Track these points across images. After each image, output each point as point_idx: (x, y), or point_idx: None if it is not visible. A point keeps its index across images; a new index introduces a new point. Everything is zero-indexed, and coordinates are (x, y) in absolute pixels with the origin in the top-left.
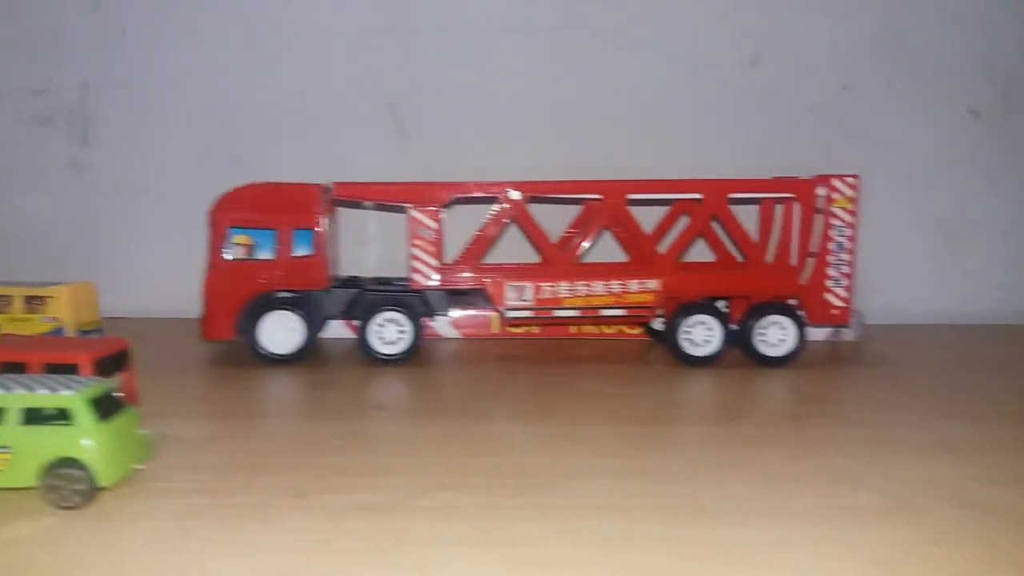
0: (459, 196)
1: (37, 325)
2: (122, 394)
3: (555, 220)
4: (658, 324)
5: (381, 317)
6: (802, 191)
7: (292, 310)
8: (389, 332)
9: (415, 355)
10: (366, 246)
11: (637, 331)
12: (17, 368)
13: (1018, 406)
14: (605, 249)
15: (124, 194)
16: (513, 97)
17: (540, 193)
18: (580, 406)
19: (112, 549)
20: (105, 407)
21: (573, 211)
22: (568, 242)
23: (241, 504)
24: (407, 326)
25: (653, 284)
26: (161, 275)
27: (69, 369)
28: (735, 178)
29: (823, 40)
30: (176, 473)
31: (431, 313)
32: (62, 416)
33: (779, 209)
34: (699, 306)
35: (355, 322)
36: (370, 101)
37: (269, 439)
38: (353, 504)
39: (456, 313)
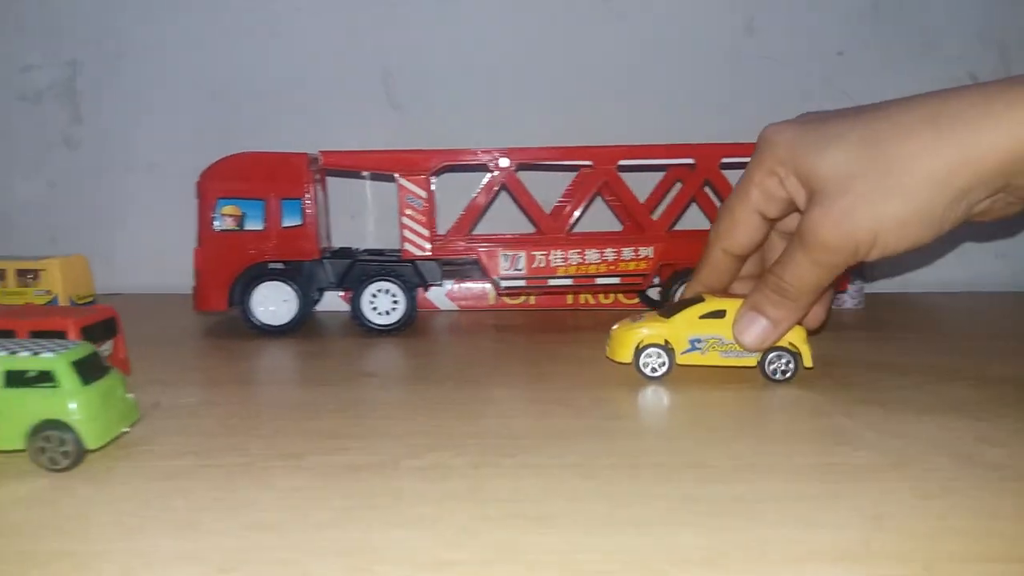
0: (448, 164)
1: (31, 298)
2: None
3: (549, 189)
4: (654, 293)
5: (374, 287)
6: None
7: (285, 281)
8: (383, 302)
9: (409, 326)
10: (361, 218)
11: (634, 300)
12: (5, 335)
13: (1021, 370)
14: (602, 218)
15: (117, 170)
16: (505, 65)
17: (530, 160)
18: (573, 372)
19: (110, 508)
20: (89, 370)
21: (567, 180)
22: (561, 210)
23: (232, 465)
24: (400, 296)
25: (647, 252)
26: (155, 251)
27: (56, 336)
28: (728, 143)
29: (818, 6)
30: (165, 437)
31: (425, 284)
32: (45, 378)
33: None
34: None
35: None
36: (362, 71)
37: (260, 405)
38: (345, 464)
39: (451, 284)
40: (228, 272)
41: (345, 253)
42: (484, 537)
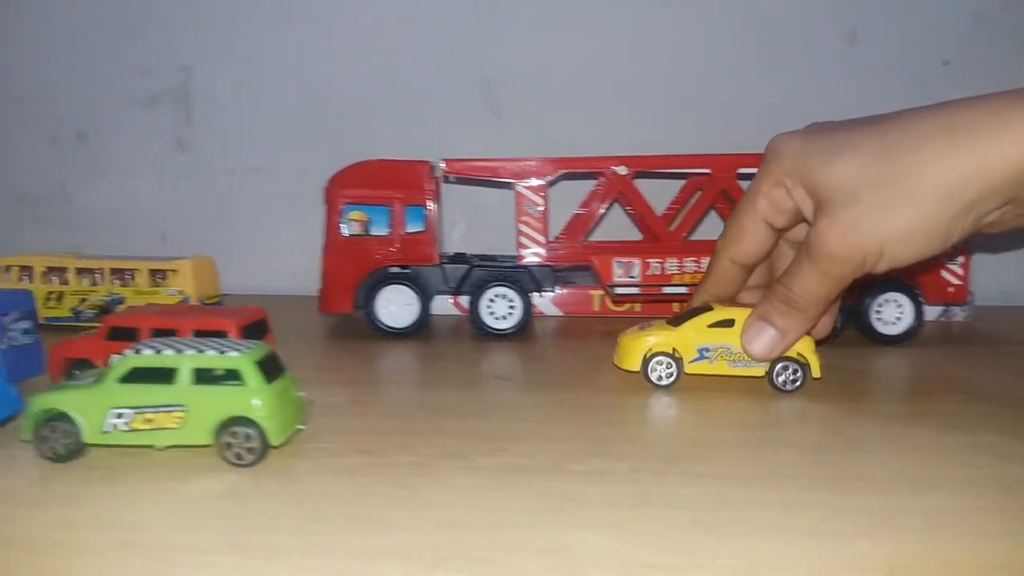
0: (565, 172)
1: (163, 297)
2: None
3: (651, 197)
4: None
5: (492, 292)
6: None
7: (408, 285)
8: (500, 307)
9: (525, 330)
10: (452, 225)
11: None
12: (167, 334)
13: None
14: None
15: (225, 173)
16: (605, 73)
17: (648, 168)
18: (696, 382)
19: (298, 503)
20: (269, 369)
21: (669, 187)
22: (672, 218)
23: (404, 463)
24: (517, 301)
25: None
26: (261, 253)
27: (217, 335)
28: None
29: (922, 14)
30: (331, 434)
31: (539, 289)
32: (231, 377)
33: None
34: None
35: (464, 298)
36: (464, 79)
37: (407, 404)
38: (510, 466)
39: (558, 291)
40: (354, 276)
41: (460, 258)
42: (674, 542)
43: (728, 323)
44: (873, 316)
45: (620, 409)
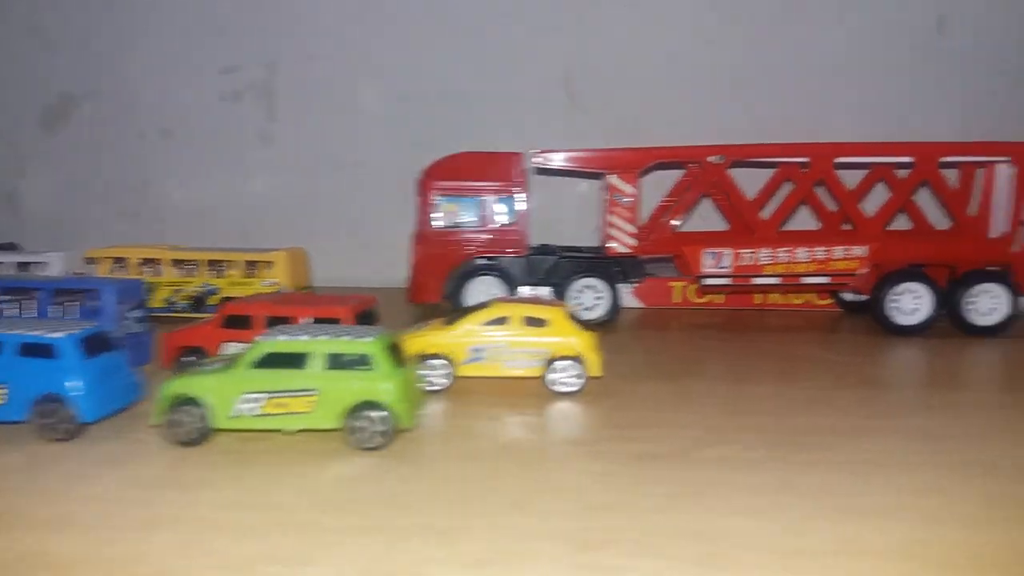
0: (659, 162)
1: (259, 287)
2: None
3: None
4: (849, 294)
5: (579, 283)
6: (1020, 155)
7: (496, 276)
8: (587, 298)
9: (613, 321)
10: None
11: (827, 301)
12: (283, 322)
13: None
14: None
15: (307, 167)
16: (684, 62)
17: (744, 157)
18: (813, 372)
19: (436, 487)
20: (396, 355)
21: (751, 177)
22: (760, 206)
23: (524, 448)
24: (605, 292)
25: (860, 251)
26: (348, 245)
27: (331, 322)
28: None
29: (1011, 3)
30: (445, 419)
31: (627, 279)
32: (361, 362)
33: (980, 174)
34: (907, 274)
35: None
36: (544, 72)
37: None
38: (639, 453)
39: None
40: (444, 267)
41: (546, 250)
42: (823, 529)
43: (502, 321)
44: (967, 307)
45: (740, 399)
